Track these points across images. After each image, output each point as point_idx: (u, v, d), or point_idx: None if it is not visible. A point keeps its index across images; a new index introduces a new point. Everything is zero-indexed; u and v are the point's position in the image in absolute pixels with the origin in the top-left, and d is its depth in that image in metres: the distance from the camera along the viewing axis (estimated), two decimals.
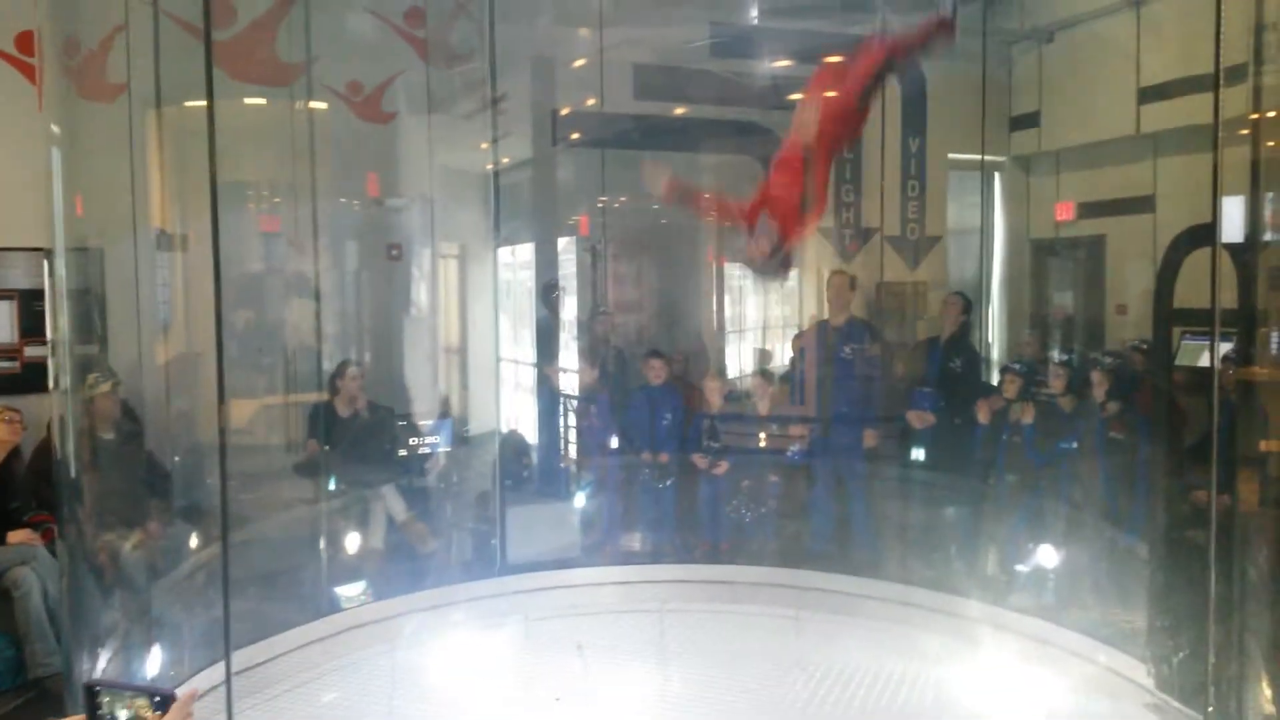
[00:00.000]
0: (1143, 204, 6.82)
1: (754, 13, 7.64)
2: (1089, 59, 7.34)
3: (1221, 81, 3.83)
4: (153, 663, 4.67)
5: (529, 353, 7.82)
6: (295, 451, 6.61)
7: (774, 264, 4.62)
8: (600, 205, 8.09)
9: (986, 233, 7.95)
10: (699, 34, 7.68)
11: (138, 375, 5.67)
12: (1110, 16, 7.05)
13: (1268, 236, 4.24)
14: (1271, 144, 4.34)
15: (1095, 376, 5.89)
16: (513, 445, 7.36)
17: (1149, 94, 6.72)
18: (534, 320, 7.86)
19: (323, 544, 6.10)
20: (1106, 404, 5.76)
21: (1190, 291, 4.54)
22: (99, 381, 5.25)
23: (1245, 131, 4.18)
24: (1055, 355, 6.72)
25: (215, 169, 3.64)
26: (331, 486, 6.29)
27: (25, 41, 6.74)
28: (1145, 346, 5.75)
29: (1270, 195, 4.24)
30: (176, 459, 5.82)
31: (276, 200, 6.97)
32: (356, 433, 6.32)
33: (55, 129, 4.88)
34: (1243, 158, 4.13)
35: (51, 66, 5.14)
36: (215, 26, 4.28)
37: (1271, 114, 4.30)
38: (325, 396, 6.44)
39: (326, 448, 6.28)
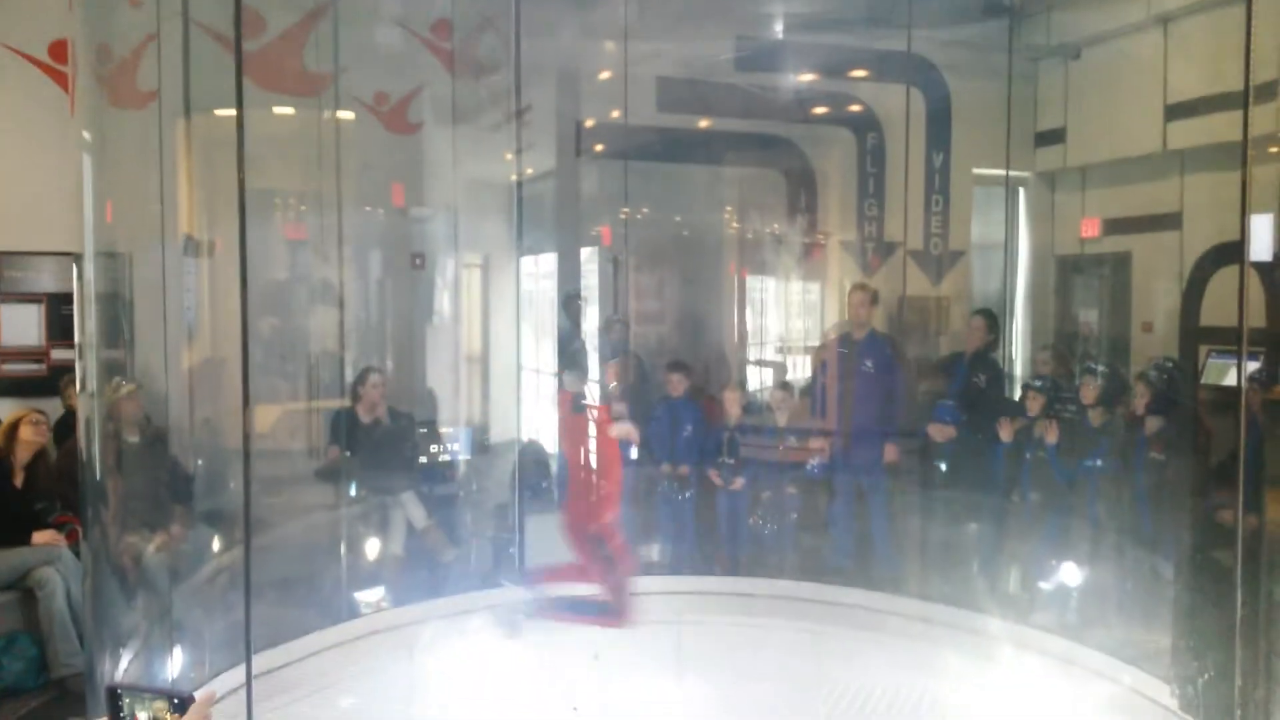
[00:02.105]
0: (1169, 221, 6.76)
1: (779, 27, 7.66)
2: (1116, 75, 7.31)
3: (1251, 99, 3.79)
4: (173, 664, 4.69)
5: (550, 362, 7.84)
6: (317, 457, 6.65)
7: None
8: (623, 216, 8.11)
9: (1011, 248, 7.92)
10: (724, 48, 7.71)
11: (163, 380, 5.72)
12: (1138, 33, 7.01)
13: None
14: None
15: (1138, 388, 5.76)
16: (532, 455, 7.37)
17: (1176, 111, 6.68)
18: (555, 330, 7.88)
19: (343, 550, 6.13)
20: (1147, 420, 5.63)
21: (1217, 310, 4.50)
22: (123, 384, 5.30)
23: (1274, 149, 4.15)
24: (1087, 366, 6.56)
25: (244, 176, 3.67)
26: (352, 493, 6.32)
27: (58, 50, 6.85)
28: (1171, 364, 5.68)
29: None
30: (199, 463, 5.86)
31: (303, 208, 7.03)
32: (378, 439, 6.34)
33: (86, 135, 4.94)
34: (1272, 175, 4.09)
35: (84, 74, 5.22)
36: (245, 37, 4.33)
37: None
38: (347, 403, 6.48)
39: (348, 454, 6.32)
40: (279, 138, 6.74)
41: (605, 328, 7.84)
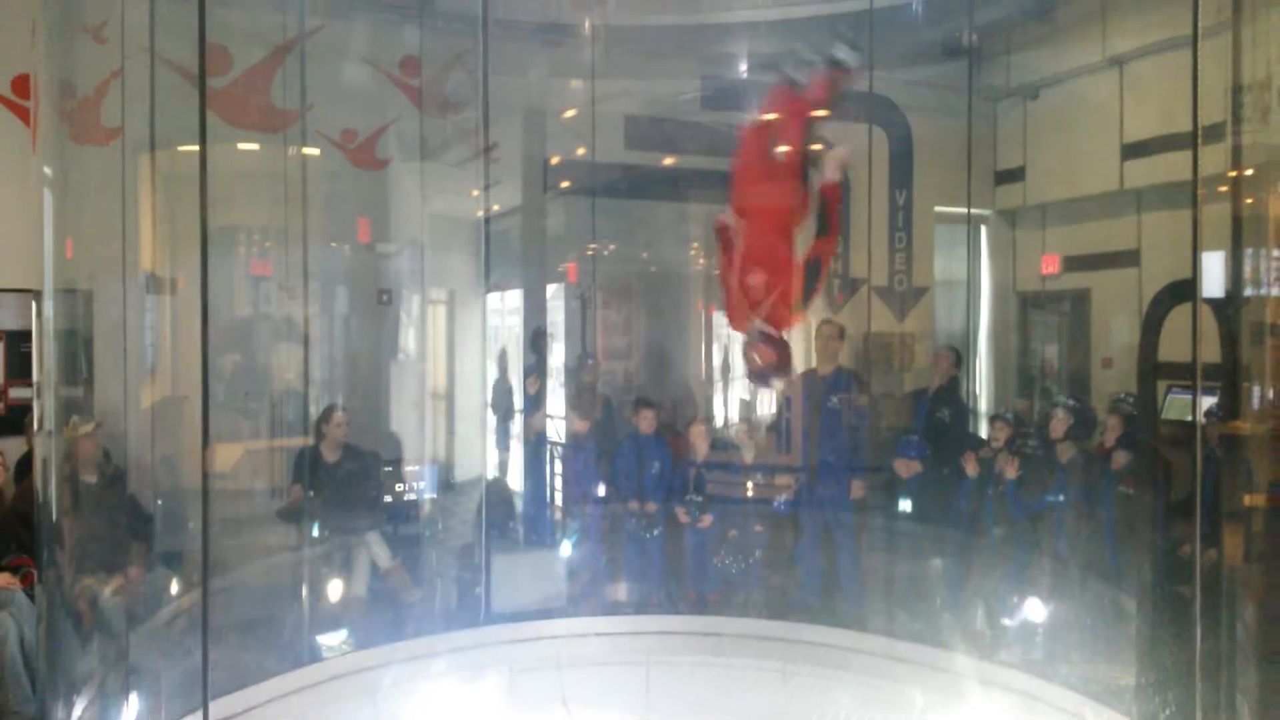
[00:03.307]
0: (1127, 258, 6.89)
1: (743, 67, 7.77)
2: (1073, 115, 7.48)
3: (1200, 140, 3.89)
4: (129, 711, 4.58)
5: (516, 399, 7.81)
6: (279, 497, 6.56)
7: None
8: (589, 253, 8.14)
9: (973, 285, 8.03)
10: (689, 87, 7.81)
11: (122, 418, 5.64)
12: (1093, 75, 7.19)
13: (1248, 292, 4.29)
14: (1250, 201, 4.41)
15: (1110, 422, 5.81)
16: (498, 493, 7.32)
17: (1131, 150, 6.84)
18: (522, 367, 7.87)
19: (305, 591, 6.03)
20: (1115, 454, 5.65)
21: (1175, 345, 4.57)
22: (81, 424, 5.21)
23: (1224, 189, 4.25)
24: (1054, 401, 6.62)
25: (206, 212, 3.65)
26: (315, 533, 6.23)
27: (21, 85, 6.80)
28: (1131, 399, 5.76)
29: (1250, 251, 4.29)
30: (159, 503, 5.76)
31: (268, 244, 6.99)
32: (341, 478, 6.27)
33: (48, 171, 4.89)
34: (1224, 214, 4.18)
35: (46, 109, 5.17)
36: (211, 73, 4.33)
37: (1250, 171, 4.37)
38: (310, 441, 6.41)
39: (311, 493, 6.24)
40: (245, 173, 6.72)
41: (577, 367, 7.84)
